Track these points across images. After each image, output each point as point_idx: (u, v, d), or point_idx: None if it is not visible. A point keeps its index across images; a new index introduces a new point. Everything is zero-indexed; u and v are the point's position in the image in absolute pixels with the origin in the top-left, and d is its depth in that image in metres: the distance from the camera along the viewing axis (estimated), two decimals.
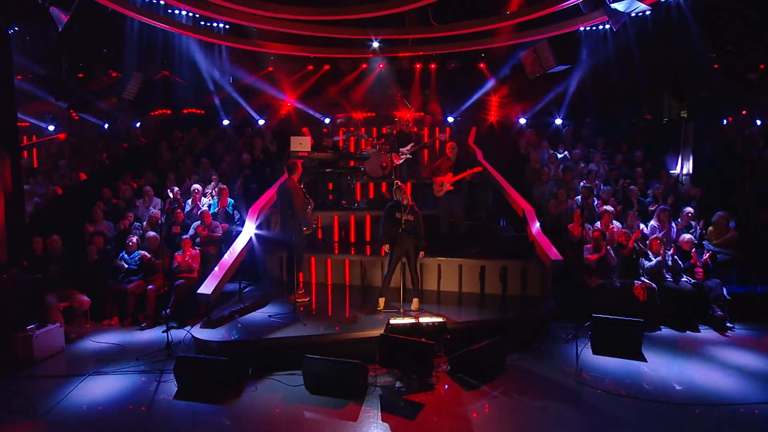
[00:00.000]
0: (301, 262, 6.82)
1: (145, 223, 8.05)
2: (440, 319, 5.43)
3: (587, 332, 6.21)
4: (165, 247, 7.14)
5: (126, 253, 7.43)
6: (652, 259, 7.20)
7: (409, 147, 9.19)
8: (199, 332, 5.69)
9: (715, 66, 11.71)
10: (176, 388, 5.01)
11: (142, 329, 6.75)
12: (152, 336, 6.50)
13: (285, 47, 10.28)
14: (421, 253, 6.33)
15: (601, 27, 10.35)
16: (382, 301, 6.43)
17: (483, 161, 9.39)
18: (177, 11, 8.74)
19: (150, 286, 6.98)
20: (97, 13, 7.92)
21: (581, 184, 9.11)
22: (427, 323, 5.38)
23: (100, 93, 10.62)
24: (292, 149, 8.36)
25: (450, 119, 12.03)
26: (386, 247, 6.37)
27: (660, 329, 6.72)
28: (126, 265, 7.29)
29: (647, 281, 7.02)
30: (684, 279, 7.12)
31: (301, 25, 8.57)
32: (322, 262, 7.64)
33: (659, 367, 5.55)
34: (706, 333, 6.63)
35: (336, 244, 8.40)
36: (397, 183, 6.48)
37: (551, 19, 8.29)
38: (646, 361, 5.68)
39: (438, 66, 13.28)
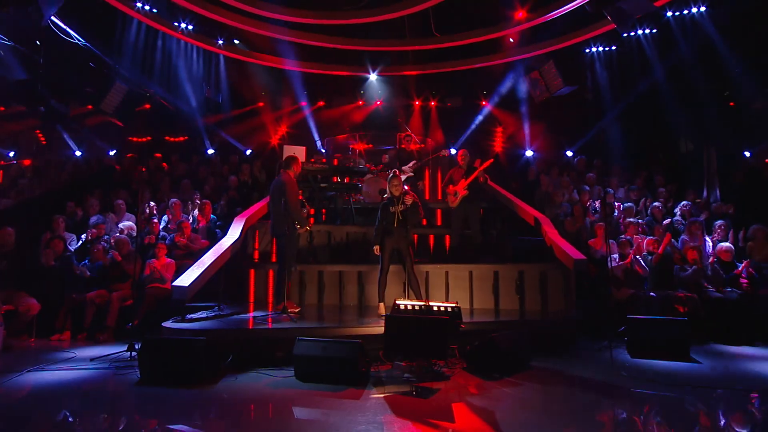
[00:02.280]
0: (291, 268, 6.56)
1: (114, 235, 7.86)
2: (453, 304, 5.16)
3: (622, 338, 5.90)
4: (136, 255, 6.88)
5: (90, 260, 7.18)
6: (689, 269, 7.09)
7: (411, 164, 9.32)
8: (171, 324, 5.33)
9: (731, 104, 12.32)
10: (139, 377, 4.58)
11: (99, 342, 6.30)
12: (112, 349, 6.03)
13: (279, 60, 10.82)
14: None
15: (607, 48, 11.07)
16: (382, 306, 6.20)
17: (491, 183, 9.49)
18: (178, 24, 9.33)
19: (115, 293, 6.64)
20: (88, 17, 8.43)
21: (597, 205, 9.17)
22: (438, 307, 5.10)
23: (81, 116, 10.92)
24: (283, 159, 8.44)
25: (452, 151, 12.37)
26: (377, 249, 6.27)
27: (709, 344, 6.37)
28: (88, 273, 6.99)
29: (686, 292, 6.84)
30: (729, 290, 6.94)
31: (297, 33, 9.12)
32: (313, 274, 7.37)
33: (713, 366, 5.23)
34: (764, 350, 6.24)
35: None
36: (394, 171, 6.52)
37: (556, 28, 8.89)
38: (699, 363, 5.33)
39: (438, 103, 13.93)
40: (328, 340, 4.60)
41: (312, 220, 8.80)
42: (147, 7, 8.75)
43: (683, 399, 4.22)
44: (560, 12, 8.01)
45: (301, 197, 8.10)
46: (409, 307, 5.10)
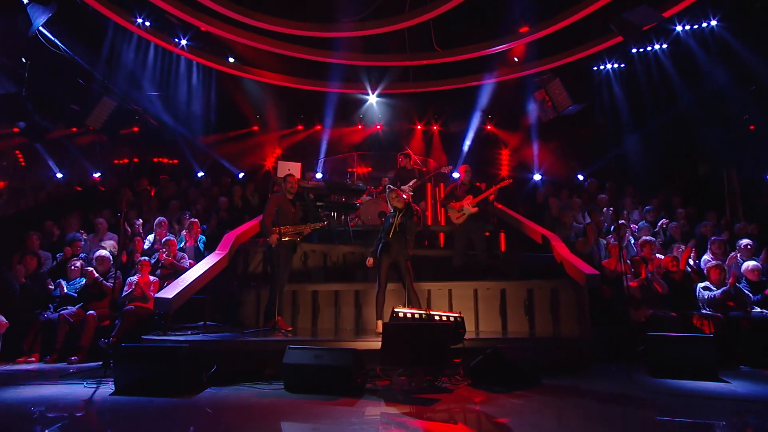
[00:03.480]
0: (281, 285, 6.52)
1: (94, 255, 7.83)
2: (456, 314, 5.09)
3: (642, 360, 5.78)
4: (117, 272, 6.82)
5: (66, 279, 7.14)
6: (713, 288, 7.05)
7: (411, 183, 9.41)
8: (151, 337, 5.27)
9: (752, 127, 12.49)
10: (114, 388, 4.49)
11: (70, 363, 6.17)
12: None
13: (272, 75, 11.10)
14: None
15: (617, 66, 11.34)
16: (380, 323, 6.07)
17: (497, 204, 9.53)
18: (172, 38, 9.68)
19: (91, 312, 6.56)
20: (78, 28, 8.73)
21: (612, 228, 9.19)
22: (440, 317, 5.03)
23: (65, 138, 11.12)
24: (279, 175, 8.55)
25: (455, 175, 12.50)
26: (370, 261, 6.34)
27: (738, 367, 6.22)
28: (65, 290, 6.94)
29: (711, 312, 6.78)
30: (757, 310, 6.86)
31: (294, 47, 9.40)
32: (307, 295, 7.29)
33: (747, 386, 5.08)
34: None
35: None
36: (389, 187, 6.62)
37: (562, 44, 9.15)
38: (728, 383, 5.18)
39: (441, 127, 14.17)
40: (321, 348, 4.53)
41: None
42: (140, 20, 9.09)
43: (716, 413, 4.07)
44: (567, 23, 8.26)
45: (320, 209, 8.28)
46: (409, 316, 5.03)
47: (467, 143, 12.81)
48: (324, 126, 14.11)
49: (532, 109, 11.26)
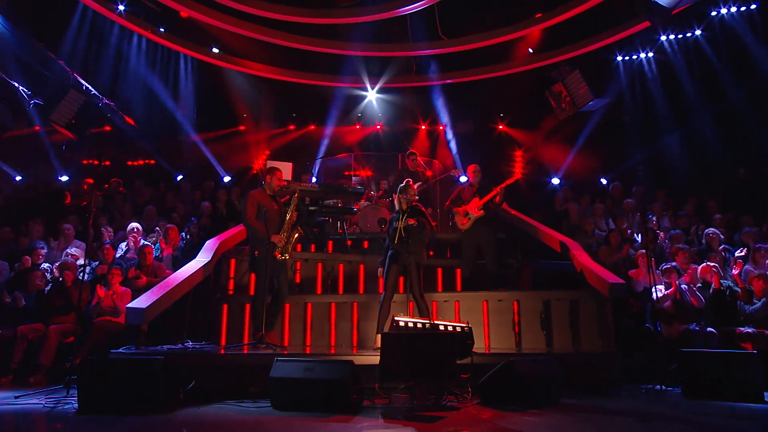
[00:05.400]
0: (264, 297, 6.49)
1: (56, 265, 7.83)
2: (464, 324, 5.08)
3: (675, 379, 5.77)
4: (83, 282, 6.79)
5: (24, 291, 7.14)
6: (757, 302, 7.03)
7: (416, 187, 9.40)
8: (121, 350, 5.27)
9: None
10: (78, 407, 4.44)
11: (29, 386, 6.10)
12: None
13: (260, 66, 11.21)
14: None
15: (643, 56, 11.43)
16: (379, 338, 6.02)
17: (508, 208, 9.56)
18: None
19: (53, 326, 6.53)
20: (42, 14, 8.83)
21: (639, 236, 9.19)
22: (446, 326, 5.04)
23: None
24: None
25: (463, 178, 12.53)
26: (380, 272, 6.44)
27: None
28: (23, 302, 6.92)
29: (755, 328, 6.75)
30: None
31: (283, 35, 9.50)
32: (299, 308, 7.26)
33: None
34: None
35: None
36: (407, 181, 6.67)
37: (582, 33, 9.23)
38: None
39: (447, 128, 14.24)
40: (313, 360, 4.51)
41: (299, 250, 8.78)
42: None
43: None
44: (587, 6, 8.34)
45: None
46: (411, 325, 5.02)
47: (486, 151, 12.93)
48: (318, 125, 14.23)
49: (549, 106, 11.30)
